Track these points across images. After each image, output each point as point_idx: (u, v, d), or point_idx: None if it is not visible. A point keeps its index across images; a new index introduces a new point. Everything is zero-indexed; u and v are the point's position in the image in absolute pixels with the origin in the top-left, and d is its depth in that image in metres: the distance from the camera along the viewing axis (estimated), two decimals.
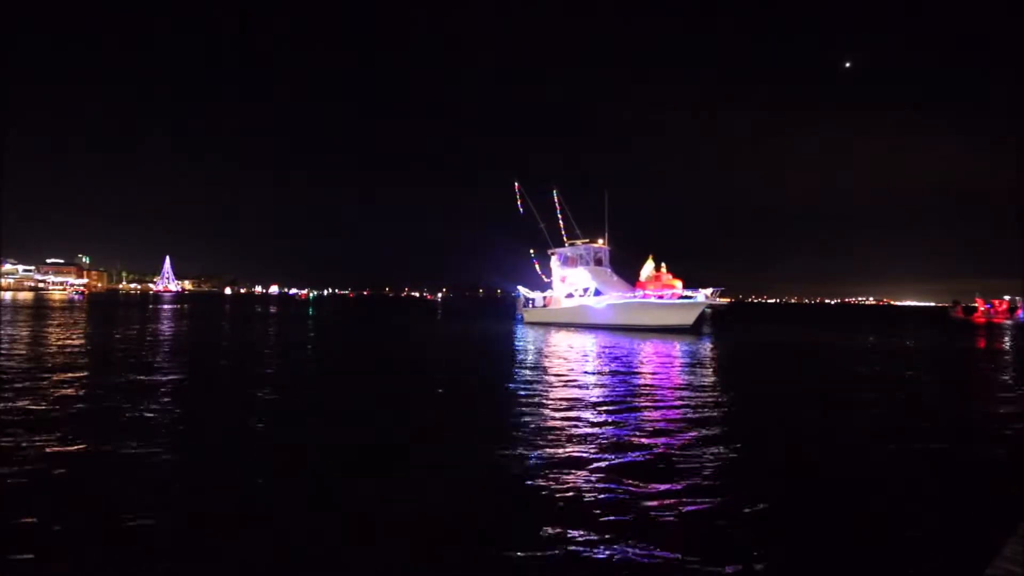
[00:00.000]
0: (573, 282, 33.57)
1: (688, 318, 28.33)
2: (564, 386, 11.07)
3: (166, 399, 8.98)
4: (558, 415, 8.42)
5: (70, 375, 10.95)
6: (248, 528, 4.37)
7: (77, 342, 17.53)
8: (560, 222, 36.18)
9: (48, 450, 6.04)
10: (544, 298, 35.64)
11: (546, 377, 12.25)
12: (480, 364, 15.44)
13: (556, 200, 36.46)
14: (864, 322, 51.19)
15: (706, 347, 20.63)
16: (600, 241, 33.80)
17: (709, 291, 28.29)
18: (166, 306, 55.59)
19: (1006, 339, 28.88)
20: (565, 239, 35.88)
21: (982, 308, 61.18)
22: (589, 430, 7.50)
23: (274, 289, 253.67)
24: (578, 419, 8.13)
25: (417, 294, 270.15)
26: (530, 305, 36.16)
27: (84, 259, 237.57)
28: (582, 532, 4.28)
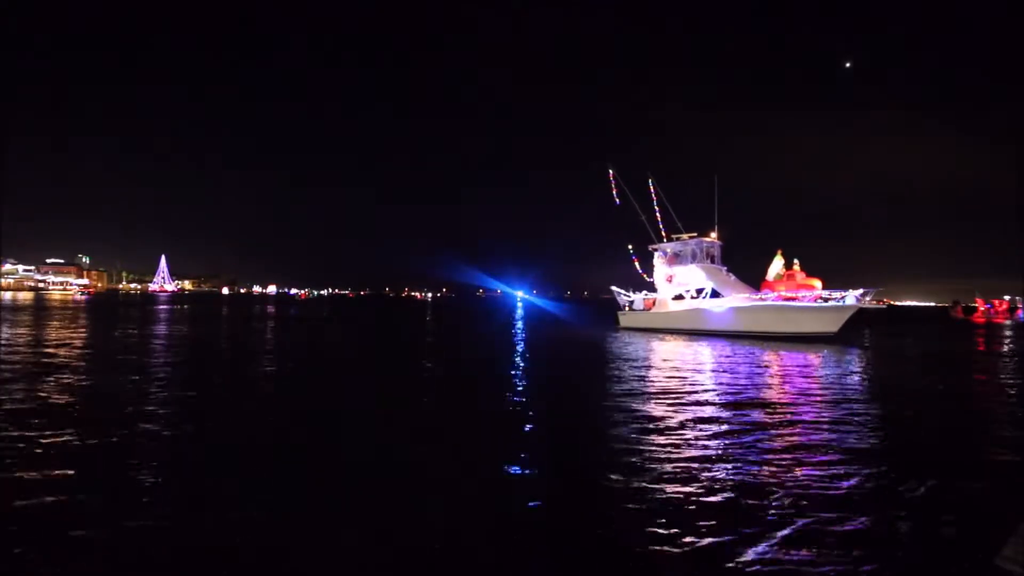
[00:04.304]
0: (683, 282, 30.02)
1: (833, 324, 24.69)
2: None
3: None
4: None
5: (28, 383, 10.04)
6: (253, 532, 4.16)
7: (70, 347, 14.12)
8: (658, 214, 32.71)
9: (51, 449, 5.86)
10: (644, 300, 32.10)
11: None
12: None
13: (652, 190, 32.91)
14: (898, 324, 47.72)
15: (860, 359, 17.23)
16: (712, 235, 30.29)
17: (859, 292, 24.63)
18: (162, 307, 51.80)
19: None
20: (664, 233, 32.43)
21: (982, 308, 61.01)
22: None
23: (272, 289, 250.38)
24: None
25: (417, 294, 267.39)
26: (629, 308, 32.60)
27: (84, 259, 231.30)
28: None
